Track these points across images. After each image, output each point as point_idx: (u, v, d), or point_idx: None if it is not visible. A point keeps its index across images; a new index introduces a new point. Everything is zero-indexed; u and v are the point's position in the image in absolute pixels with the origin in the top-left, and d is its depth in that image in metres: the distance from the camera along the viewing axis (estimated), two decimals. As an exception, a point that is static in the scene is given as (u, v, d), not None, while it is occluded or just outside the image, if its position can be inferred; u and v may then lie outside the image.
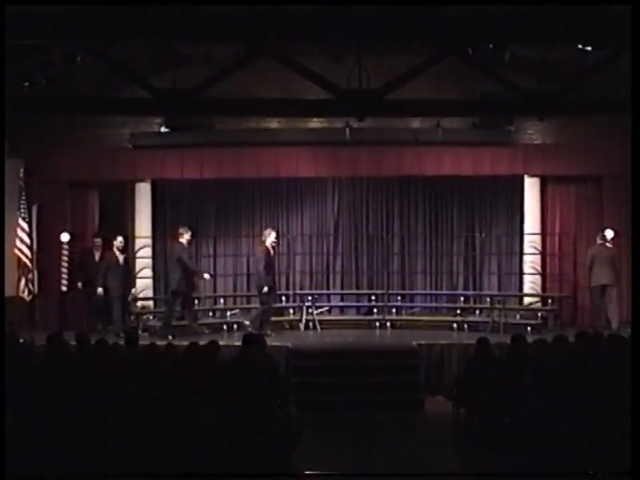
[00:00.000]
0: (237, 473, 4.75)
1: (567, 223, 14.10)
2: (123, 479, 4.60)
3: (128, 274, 13.30)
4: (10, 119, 8.18)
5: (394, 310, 14.24)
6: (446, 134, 13.33)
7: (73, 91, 10.62)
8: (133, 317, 13.28)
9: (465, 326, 13.39)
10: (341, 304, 14.91)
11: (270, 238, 13.07)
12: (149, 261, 14.11)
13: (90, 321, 13.21)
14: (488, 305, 13.91)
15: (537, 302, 13.94)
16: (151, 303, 14.10)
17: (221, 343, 9.10)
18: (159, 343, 9.36)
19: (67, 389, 6.21)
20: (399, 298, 14.48)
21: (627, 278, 12.57)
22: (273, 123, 13.97)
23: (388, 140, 13.55)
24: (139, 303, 13.82)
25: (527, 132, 13.83)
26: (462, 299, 14.38)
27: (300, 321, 13.78)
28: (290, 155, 13.80)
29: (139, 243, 14.01)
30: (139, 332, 12.17)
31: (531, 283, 14.01)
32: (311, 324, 13.68)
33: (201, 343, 8.67)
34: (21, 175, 13.25)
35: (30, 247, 13.23)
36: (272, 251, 13.13)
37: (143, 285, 13.98)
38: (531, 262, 14.04)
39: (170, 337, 12.02)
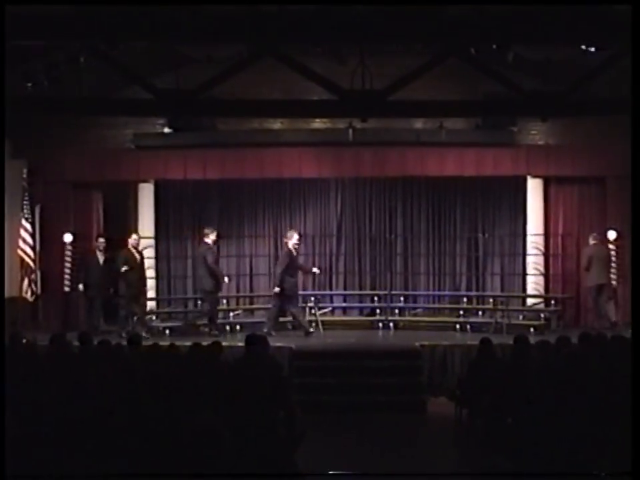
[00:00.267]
0: (240, 473, 4.75)
1: (570, 223, 14.07)
2: (125, 480, 4.61)
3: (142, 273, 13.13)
4: (13, 120, 8.21)
5: (397, 311, 14.24)
6: (449, 135, 13.30)
7: (76, 92, 10.65)
8: (136, 318, 13.25)
9: (468, 327, 13.38)
10: (344, 305, 14.91)
11: (292, 240, 13.07)
12: (152, 262, 14.10)
13: (93, 322, 13.17)
14: (491, 306, 13.85)
15: (540, 303, 13.92)
16: (153, 303, 14.08)
17: (224, 343, 9.12)
18: (161, 343, 9.38)
19: (69, 390, 6.21)
20: (402, 299, 14.46)
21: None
22: (276, 124, 13.96)
23: (391, 141, 13.53)
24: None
25: (530, 133, 13.80)
26: (465, 299, 14.38)
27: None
28: (293, 156, 13.79)
29: (142, 243, 13.98)
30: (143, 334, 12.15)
31: (533, 284, 13.98)
32: (313, 325, 13.69)
33: (204, 343, 8.66)
34: (24, 175, 13.30)
35: (33, 248, 13.28)
36: (295, 252, 13.14)
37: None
38: (533, 263, 14.02)
39: (216, 334, 12.37)
